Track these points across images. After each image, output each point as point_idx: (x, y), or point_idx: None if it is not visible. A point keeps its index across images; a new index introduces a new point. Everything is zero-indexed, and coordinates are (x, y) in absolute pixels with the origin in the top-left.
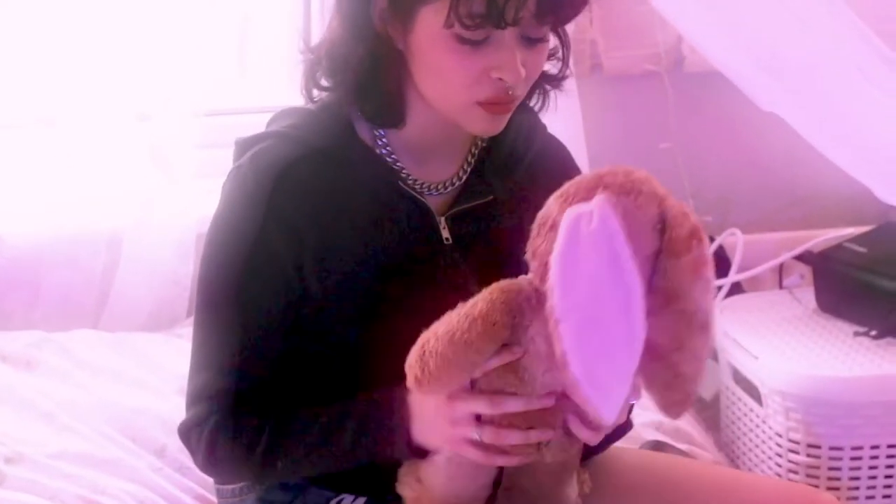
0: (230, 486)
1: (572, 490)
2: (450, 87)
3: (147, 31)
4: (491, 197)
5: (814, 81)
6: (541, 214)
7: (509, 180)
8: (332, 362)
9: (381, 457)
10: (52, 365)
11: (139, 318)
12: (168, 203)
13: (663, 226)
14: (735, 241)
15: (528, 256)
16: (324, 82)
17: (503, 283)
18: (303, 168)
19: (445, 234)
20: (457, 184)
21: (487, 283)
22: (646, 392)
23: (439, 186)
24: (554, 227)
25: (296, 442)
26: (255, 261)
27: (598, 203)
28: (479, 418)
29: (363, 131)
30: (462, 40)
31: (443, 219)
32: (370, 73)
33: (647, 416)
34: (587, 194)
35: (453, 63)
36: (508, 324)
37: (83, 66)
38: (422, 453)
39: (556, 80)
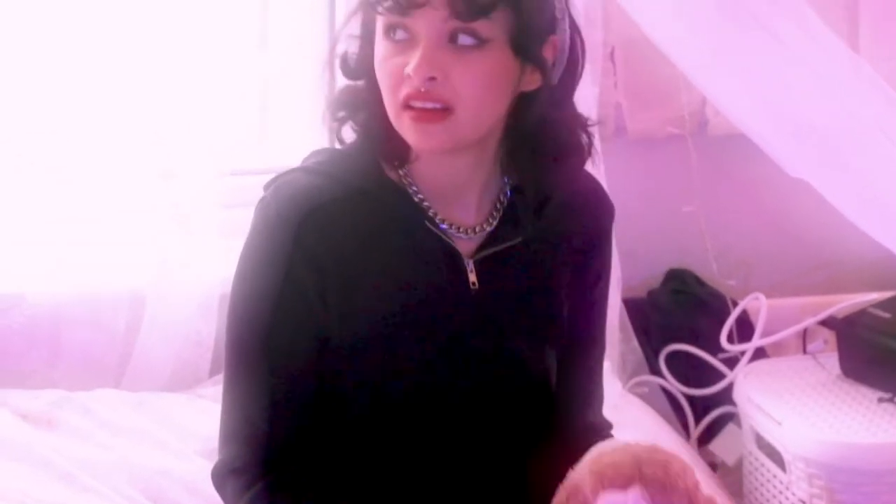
0: None
1: None
2: (384, 91)
3: (170, 90)
4: (519, 239)
5: (838, 145)
6: (572, 481)
7: (540, 219)
8: (359, 408)
9: None
10: (72, 424)
11: (161, 378)
12: (191, 263)
13: None
14: (758, 305)
15: None
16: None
17: None
18: (326, 200)
19: (472, 277)
20: (487, 229)
21: (511, 328)
22: None
23: (469, 231)
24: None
25: None
26: (283, 291)
27: (634, 499)
28: None
29: (390, 170)
30: (387, 36)
31: (470, 262)
32: (370, 106)
33: None
34: (624, 482)
35: (382, 63)
36: None
37: (107, 125)
38: None
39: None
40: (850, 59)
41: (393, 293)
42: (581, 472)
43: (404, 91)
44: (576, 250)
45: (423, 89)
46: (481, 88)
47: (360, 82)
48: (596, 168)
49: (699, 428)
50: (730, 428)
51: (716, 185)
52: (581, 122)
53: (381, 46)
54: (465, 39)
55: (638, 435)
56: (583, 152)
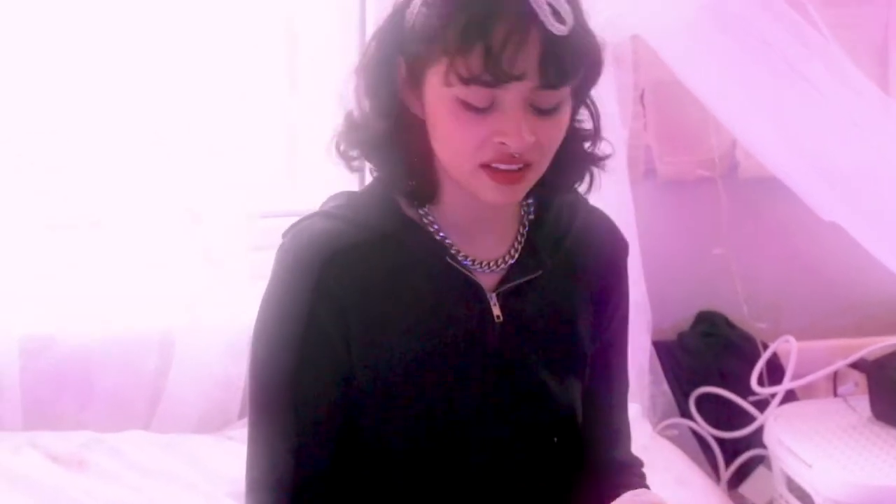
0: None
1: None
2: (456, 154)
3: (201, 132)
4: (539, 272)
5: (870, 188)
6: None
7: (557, 254)
8: (386, 447)
9: None
10: (102, 466)
11: (191, 420)
12: (220, 304)
13: None
14: (789, 347)
15: None
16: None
17: None
18: (346, 243)
19: (496, 311)
20: (509, 262)
21: (536, 360)
22: None
23: (490, 264)
24: None
25: None
26: (306, 336)
27: None
28: None
29: (408, 209)
30: (467, 107)
31: (493, 295)
32: (395, 146)
33: None
34: None
35: (458, 129)
36: None
37: (137, 167)
38: None
39: (597, 160)
40: (881, 100)
41: (418, 332)
42: None
43: (487, 155)
44: (593, 284)
45: (516, 155)
46: (557, 142)
47: (378, 124)
48: (626, 210)
49: (729, 471)
50: (760, 471)
51: (746, 228)
52: (592, 158)
53: (453, 112)
54: (547, 104)
55: (668, 478)
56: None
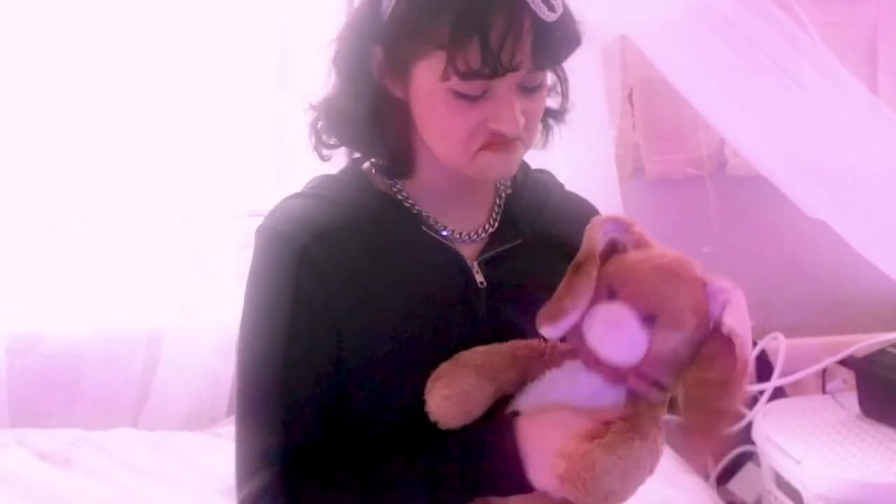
0: None
1: None
2: (450, 142)
3: (189, 132)
4: (519, 241)
5: (857, 186)
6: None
7: (536, 225)
8: (383, 421)
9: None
10: (90, 464)
11: (178, 418)
12: (208, 303)
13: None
14: (777, 345)
15: None
16: (330, 140)
17: None
18: (324, 220)
19: (479, 278)
20: (489, 231)
21: (522, 324)
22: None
23: (471, 234)
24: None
25: (393, 490)
26: (293, 311)
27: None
28: None
29: (380, 185)
30: (459, 95)
31: (475, 263)
32: (373, 126)
33: None
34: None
35: (451, 118)
36: None
37: (125, 168)
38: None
39: (558, 114)
40: (868, 100)
41: (405, 305)
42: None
43: (482, 140)
44: (573, 254)
45: (511, 137)
46: (541, 114)
47: (355, 105)
48: (614, 209)
49: (718, 467)
50: (749, 467)
51: (734, 226)
52: (551, 113)
53: (445, 102)
54: (534, 83)
55: (656, 474)
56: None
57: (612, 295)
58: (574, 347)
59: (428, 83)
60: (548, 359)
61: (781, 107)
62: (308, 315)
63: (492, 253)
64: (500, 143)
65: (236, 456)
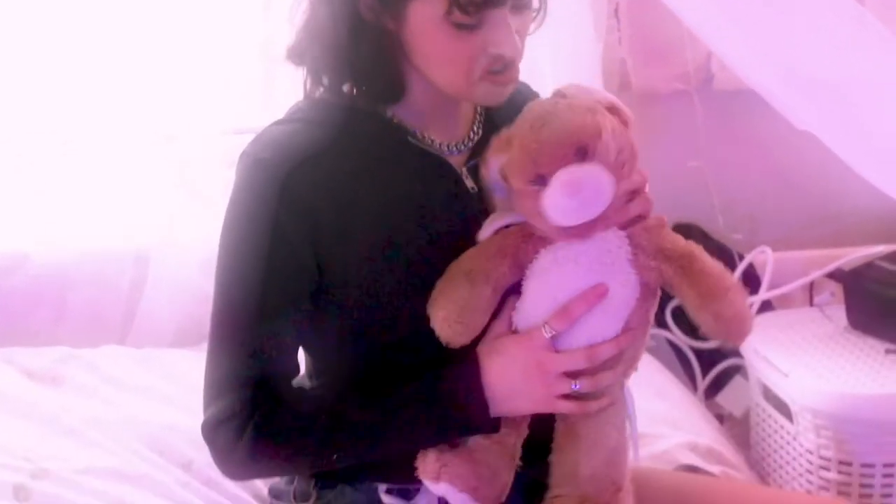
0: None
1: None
2: (454, 71)
3: (173, 50)
4: None
5: (844, 97)
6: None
7: None
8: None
9: (452, 432)
10: (78, 381)
11: (166, 335)
12: (195, 221)
13: None
14: (765, 258)
15: None
16: (322, 77)
17: None
18: (307, 143)
19: (470, 183)
20: (474, 139)
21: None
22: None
23: (456, 145)
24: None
25: (356, 426)
26: (271, 237)
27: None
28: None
29: (362, 104)
30: (460, 27)
31: (464, 169)
32: (363, 57)
33: (681, 437)
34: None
35: (452, 49)
36: None
37: (110, 87)
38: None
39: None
40: (855, 10)
41: (396, 218)
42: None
43: (484, 65)
44: None
45: (511, 60)
46: (528, 31)
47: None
48: None
49: (706, 381)
50: (737, 380)
51: (721, 140)
52: None
53: (445, 32)
54: (523, 3)
55: (645, 389)
56: None
57: (541, 178)
58: (548, 232)
59: (426, 19)
60: (537, 238)
61: (767, 18)
62: (286, 249)
63: (479, 159)
64: (499, 68)
65: (205, 375)
